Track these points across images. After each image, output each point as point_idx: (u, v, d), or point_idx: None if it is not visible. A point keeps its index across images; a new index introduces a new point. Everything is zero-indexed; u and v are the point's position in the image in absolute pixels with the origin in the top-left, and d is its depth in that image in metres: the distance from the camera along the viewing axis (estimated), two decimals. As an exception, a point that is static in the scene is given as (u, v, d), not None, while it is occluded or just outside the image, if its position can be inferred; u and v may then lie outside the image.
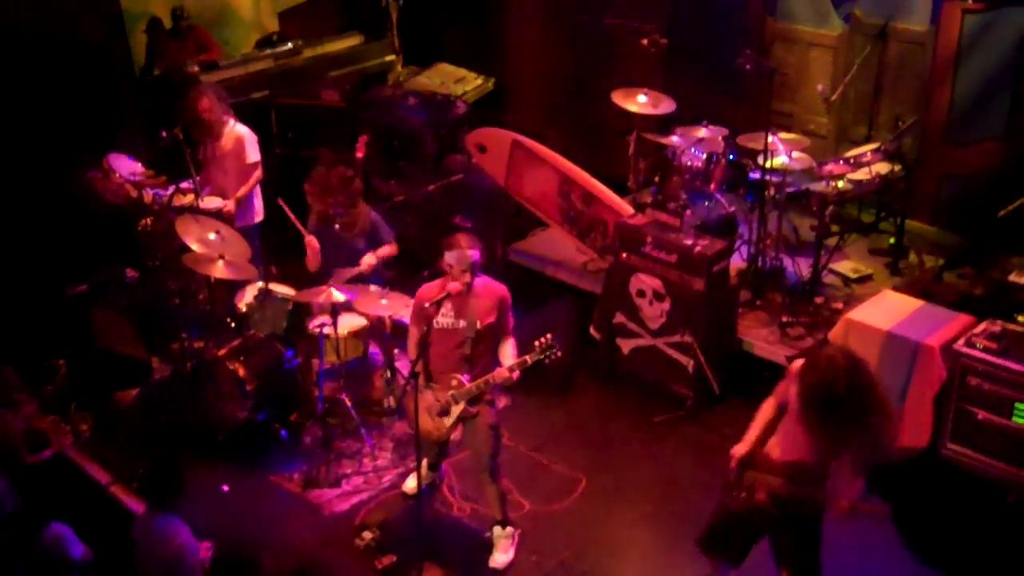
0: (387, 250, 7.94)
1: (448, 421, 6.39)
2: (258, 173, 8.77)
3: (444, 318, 6.33)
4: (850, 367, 5.06)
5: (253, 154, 8.70)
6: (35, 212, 8.91)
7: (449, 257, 6.25)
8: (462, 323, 6.31)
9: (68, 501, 6.62)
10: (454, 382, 6.33)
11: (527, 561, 6.66)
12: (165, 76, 10.88)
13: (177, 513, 5.62)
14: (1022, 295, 7.53)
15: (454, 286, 6.25)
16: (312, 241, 7.74)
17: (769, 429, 5.49)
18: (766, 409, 5.56)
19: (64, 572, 5.57)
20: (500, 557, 6.63)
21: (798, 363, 5.31)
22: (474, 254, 6.22)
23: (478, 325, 6.29)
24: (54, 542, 5.57)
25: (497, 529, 6.67)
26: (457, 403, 6.34)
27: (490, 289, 6.37)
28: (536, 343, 6.15)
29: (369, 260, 7.76)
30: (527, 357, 6.16)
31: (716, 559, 5.84)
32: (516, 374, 6.22)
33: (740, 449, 5.51)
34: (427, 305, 6.24)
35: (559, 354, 6.15)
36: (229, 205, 8.58)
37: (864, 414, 4.99)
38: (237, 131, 8.68)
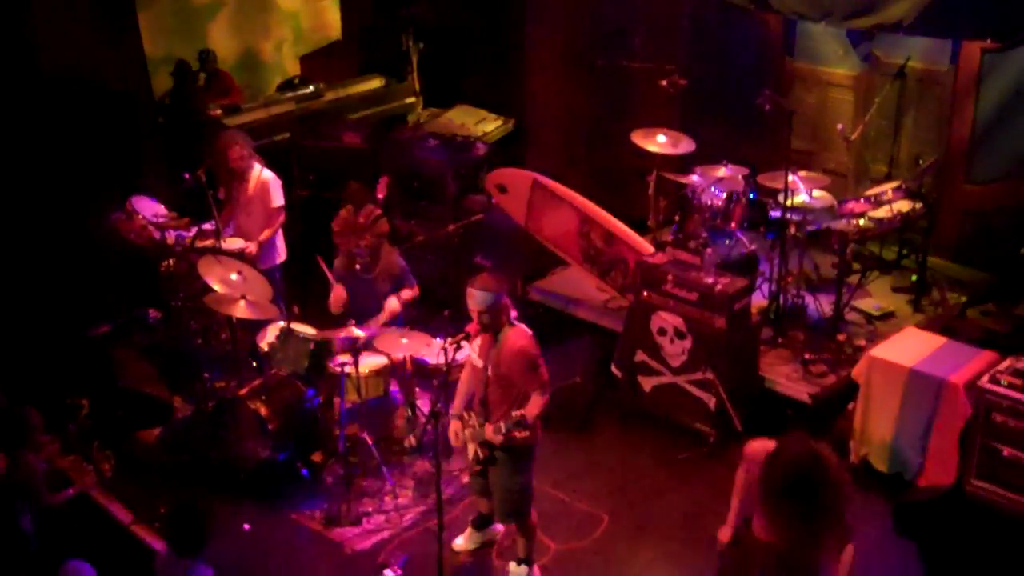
0: (410, 294, 7.99)
1: (469, 453, 6.41)
2: (282, 217, 8.86)
3: (473, 353, 6.36)
4: (813, 461, 4.69)
5: (278, 198, 8.79)
6: (59, 253, 8.97)
7: (467, 295, 6.23)
8: (482, 363, 6.31)
9: (90, 540, 6.61)
10: (471, 420, 6.33)
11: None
12: (188, 119, 10.99)
13: (200, 557, 5.60)
14: (1046, 332, 7.51)
15: (473, 326, 6.26)
16: (339, 291, 7.79)
17: (745, 503, 5.38)
18: (738, 482, 5.45)
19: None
20: None
21: (754, 444, 5.22)
22: (482, 295, 6.10)
23: (489, 372, 6.24)
24: (74, 579, 5.56)
25: (512, 565, 6.66)
26: (472, 440, 6.34)
27: (510, 340, 6.20)
28: (513, 412, 6.05)
29: (393, 305, 7.78)
30: (501, 423, 6.09)
31: None
32: (498, 438, 6.13)
33: (725, 533, 5.44)
34: (447, 342, 6.24)
35: (524, 434, 6.07)
36: (251, 247, 8.63)
37: (833, 509, 4.69)
38: (263, 176, 8.77)
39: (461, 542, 7.06)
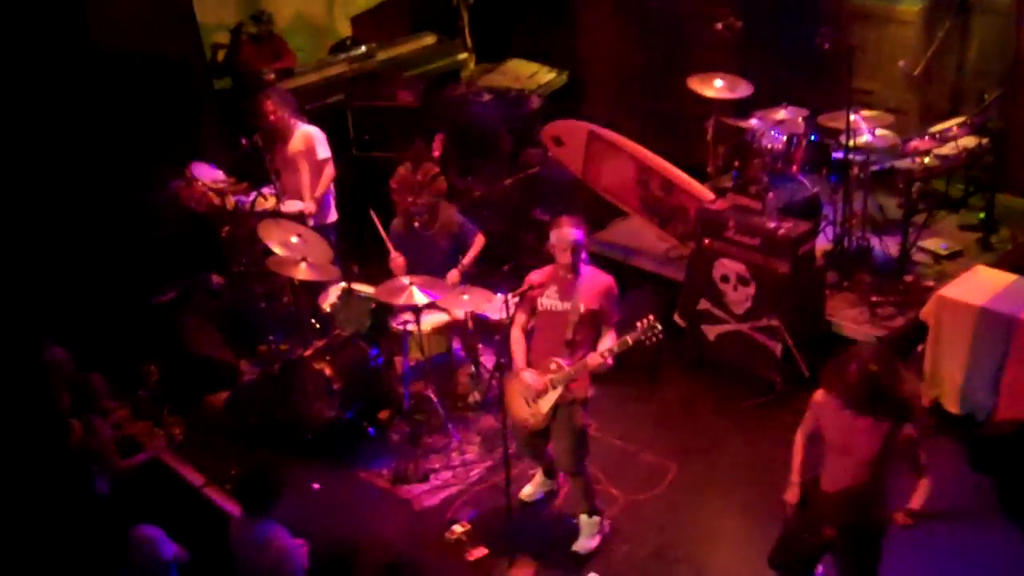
0: (472, 254, 7.96)
1: (544, 406, 6.34)
2: (330, 170, 8.78)
3: (549, 299, 6.34)
4: (873, 356, 5.08)
5: (323, 151, 8.74)
6: (122, 223, 9.05)
7: (552, 236, 6.32)
8: (566, 305, 6.28)
9: (163, 504, 6.71)
10: (553, 366, 6.29)
11: (619, 551, 6.63)
12: (242, 84, 11.01)
13: (272, 515, 5.65)
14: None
15: (539, 274, 6.29)
16: (398, 258, 7.80)
17: (809, 463, 5.45)
18: (799, 443, 5.52)
19: (156, 571, 5.63)
20: (584, 543, 6.63)
21: (819, 392, 5.33)
22: (575, 233, 6.24)
23: (581, 309, 6.25)
24: (146, 543, 5.63)
25: (583, 517, 6.65)
26: (555, 388, 6.30)
27: (597, 278, 6.35)
28: (638, 323, 6.06)
29: (454, 277, 7.76)
30: (627, 337, 6.08)
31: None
32: (610, 359, 6.14)
33: (792, 495, 5.48)
34: (509, 296, 6.25)
35: (661, 336, 6.04)
36: (310, 207, 8.63)
37: (900, 392, 5.02)
38: (306, 131, 8.74)
39: (530, 490, 7.06)
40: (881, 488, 5.20)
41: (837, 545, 5.35)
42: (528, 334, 6.50)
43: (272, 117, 8.63)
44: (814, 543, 5.40)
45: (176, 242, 9.28)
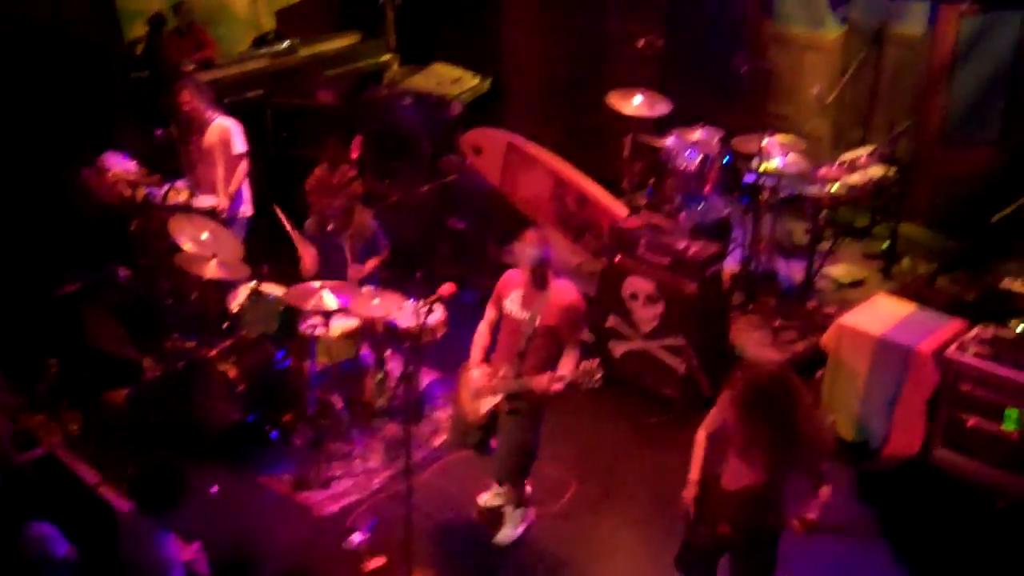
0: (375, 262, 7.92)
1: (482, 408, 6.38)
2: (245, 164, 8.69)
3: (512, 304, 6.36)
4: (774, 372, 5.14)
5: (239, 145, 8.64)
6: (28, 210, 8.89)
7: (516, 249, 6.35)
8: (525, 315, 6.29)
9: (56, 501, 6.60)
10: (501, 372, 6.32)
11: (514, 565, 6.66)
12: (160, 74, 10.87)
13: (166, 520, 5.57)
14: (1015, 300, 7.53)
15: (447, 288, 6.33)
16: (308, 251, 7.73)
17: (709, 460, 5.50)
18: (701, 441, 5.57)
19: (48, 571, 5.53)
20: (507, 531, 6.75)
21: (728, 390, 5.33)
22: (534, 250, 6.21)
23: (537, 322, 6.24)
24: (37, 540, 5.54)
25: (508, 508, 6.76)
26: (494, 393, 6.33)
27: (563, 293, 6.26)
28: (580, 364, 6.05)
29: (356, 275, 7.74)
30: (565, 373, 6.08)
31: None
32: (556, 386, 6.08)
33: (688, 492, 5.52)
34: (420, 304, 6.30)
35: (598, 384, 5.98)
36: (223, 202, 8.55)
37: (793, 411, 5.01)
38: (222, 123, 8.64)
39: (487, 497, 7.06)
40: (778, 491, 5.28)
41: (732, 543, 5.43)
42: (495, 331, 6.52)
43: (187, 107, 8.52)
44: (711, 539, 5.48)
45: (83, 232, 9.12)
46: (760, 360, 5.31)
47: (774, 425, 5.01)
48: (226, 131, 8.61)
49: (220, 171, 8.64)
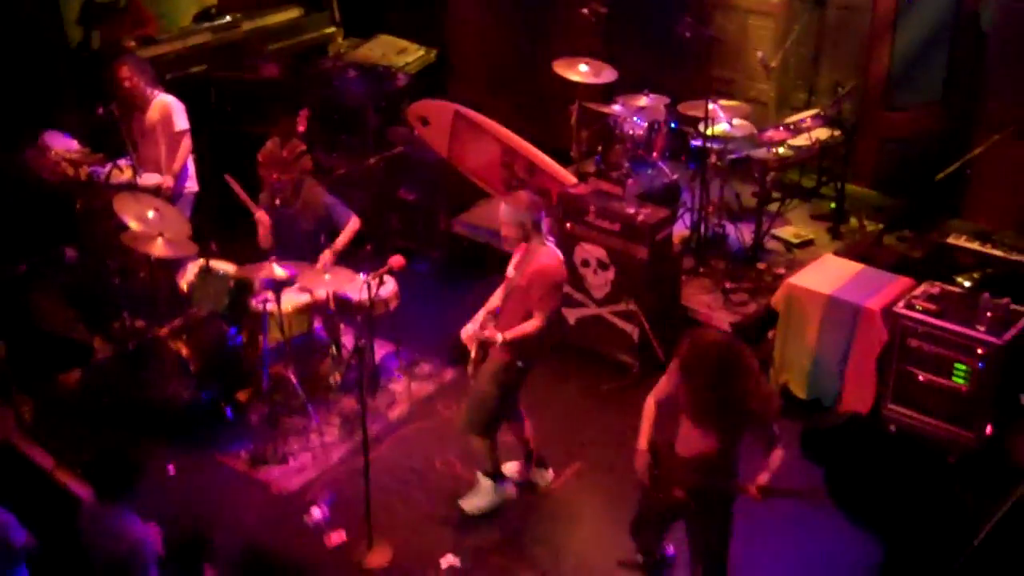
0: (346, 236, 7.79)
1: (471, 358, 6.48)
2: (187, 142, 8.58)
3: (510, 265, 6.48)
4: (720, 341, 5.20)
5: (181, 122, 8.54)
6: (-31, 192, 8.76)
7: (501, 209, 6.44)
8: (511, 274, 6.43)
9: (10, 487, 6.53)
10: (489, 328, 6.40)
11: (475, 533, 6.71)
12: (100, 51, 10.71)
13: (126, 501, 5.53)
14: (960, 257, 7.65)
15: (396, 260, 6.40)
16: (263, 216, 7.67)
17: (660, 427, 5.54)
18: (649, 408, 5.60)
19: (6, 559, 5.48)
20: (473, 501, 6.80)
21: (675, 360, 5.38)
22: (506, 209, 6.32)
23: (514, 282, 6.36)
24: (-4, 529, 5.48)
25: (479, 475, 6.79)
26: (469, 343, 6.42)
27: (539, 257, 6.28)
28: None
29: (326, 259, 7.64)
30: (509, 333, 6.23)
31: (641, 544, 6.07)
32: (495, 338, 6.19)
33: (639, 460, 5.53)
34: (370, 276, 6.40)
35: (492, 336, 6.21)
36: (167, 180, 8.45)
37: (741, 380, 5.06)
38: (163, 100, 8.53)
39: (511, 466, 7.06)
40: (731, 456, 5.34)
41: (686, 508, 5.48)
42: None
43: (128, 84, 8.40)
44: (665, 504, 5.55)
45: (27, 213, 8.98)
46: (705, 328, 5.33)
47: (721, 392, 5.05)
48: (167, 108, 8.50)
49: (163, 149, 8.54)
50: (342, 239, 7.76)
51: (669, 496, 5.47)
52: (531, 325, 6.24)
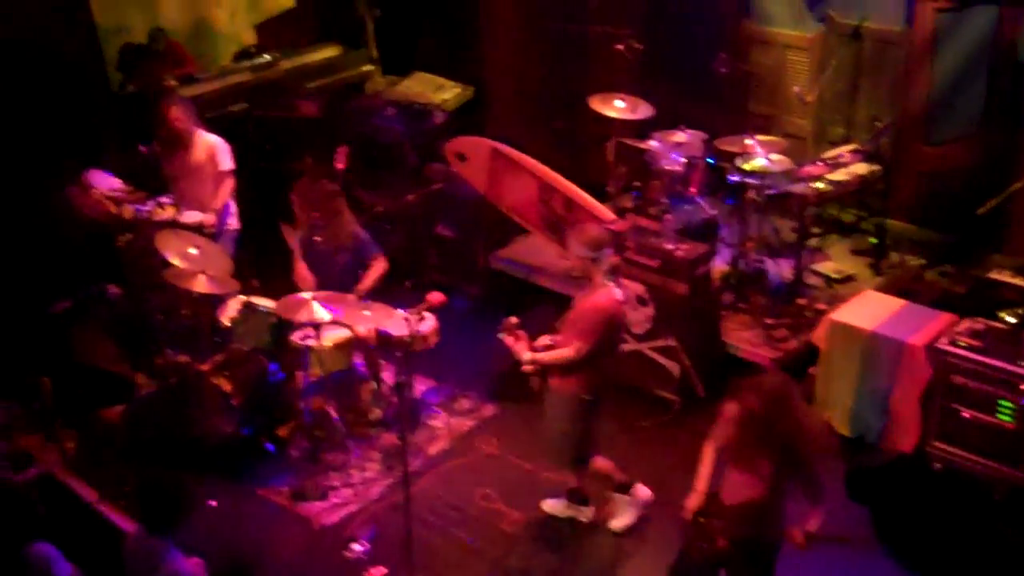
0: (376, 272, 7.88)
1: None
2: (231, 181, 8.71)
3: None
4: (776, 389, 5.19)
5: (226, 162, 8.66)
6: (14, 229, 8.85)
7: (568, 242, 6.52)
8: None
9: (54, 520, 6.57)
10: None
11: (515, 569, 6.69)
12: (142, 91, 10.86)
13: (172, 537, 5.55)
14: (1003, 292, 7.58)
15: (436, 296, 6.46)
16: (303, 271, 7.80)
17: (716, 473, 5.55)
18: (707, 453, 5.61)
19: (52, 594, 5.51)
20: (617, 521, 6.88)
21: (731, 404, 5.37)
22: (576, 245, 6.32)
23: (570, 314, 6.44)
24: (39, 562, 5.51)
25: (613, 495, 6.89)
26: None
27: (594, 297, 6.31)
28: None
29: (352, 300, 7.71)
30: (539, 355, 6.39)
31: None
32: (519, 350, 6.32)
33: (692, 501, 5.54)
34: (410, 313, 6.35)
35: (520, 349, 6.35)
36: (210, 218, 8.54)
37: (797, 428, 5.09)
38: (208, 140, 8.65)
39: (551, 503, 7.13)
40: (776, 505, 5.31)
41: (730, 558, 5.43)
42: None
43: (178, 124, 8.50)
44: (708, 553, 5.48)
45: (72, 251, 9.08)
46: (759, 377, 5.32)
47: (777, 441, 5.07)
48: (213, 147, 8.62)
49: (207, 187, 8.64)
50: (368, 281, 7.84)
51: (713, 546, 5.43)
52: (563, 352, 6.29)
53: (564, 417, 6.49)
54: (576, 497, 7.06)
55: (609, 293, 6.32)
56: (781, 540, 5.36)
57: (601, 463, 6.77)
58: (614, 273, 6.43)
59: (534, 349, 6.41)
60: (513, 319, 6.43)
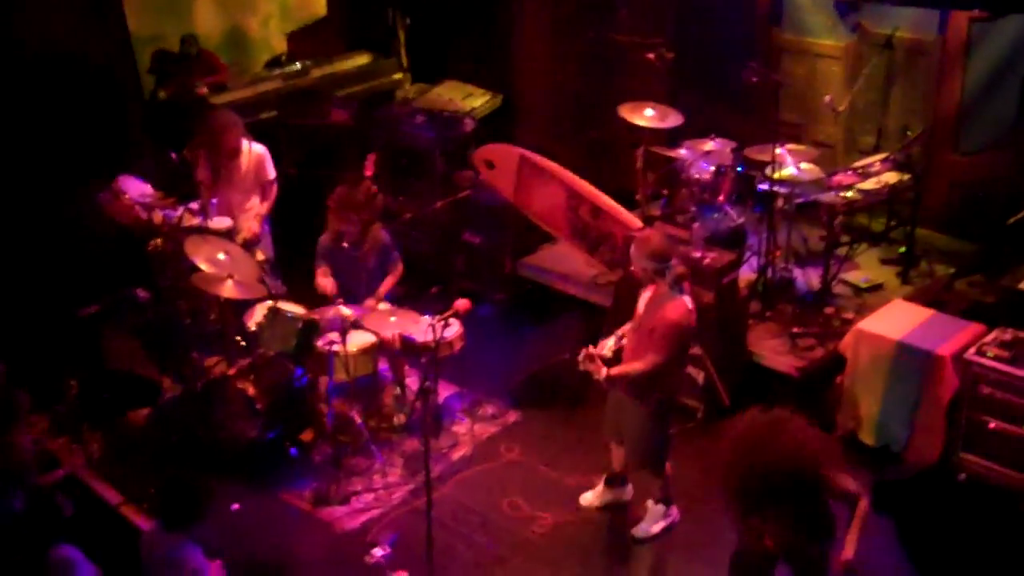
0: (390, 282, 8.01)
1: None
2: (275, 188, 8.81)
3: (640, 301, 6.54)
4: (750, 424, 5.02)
5: (272, 171, 8.74)
6: (46, 234, 8.95)
7: (631, 251, 6.52)
8: (640, 310, 6.51)
9: (79, 521, 6.62)
10: (606, 350, 6.54)
11: (536, 575, 6.67)
12: (174, 98, 10.95)
13: (190, 534, 5.59)
14: (1033, 303, 7.52)
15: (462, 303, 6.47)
16: (326, 285, 7.87)
17: None
18: None
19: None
20: (644, 526, 6.91)
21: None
22: (633, 249, 6.41)
23: (640, 320, 6.48)
24: (63, 564, 5.54)
25: (650, 502, 6.91)
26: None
27: (670, 308, 6.30)
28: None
29: (371, 305, 7.79)
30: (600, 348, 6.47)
31: None
32: (595, 368, 6.28)
33: None
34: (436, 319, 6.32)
35: (600, 369, 6.27)
36: (256, 227, 8.59)
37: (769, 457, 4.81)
38: (255, 150, 8.70)
39: (590, 497, 7.19)
40: (825, 520, 5.23)
41: (776, 563, 5.41)
42: None
43: (230, 139, 8.51)
44: (762, 553, 5.39)
45: (101, 255, 9.16)
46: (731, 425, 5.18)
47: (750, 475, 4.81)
48: (261, 157, 8.69)
49: (251, 196, 8.70)
50: (386, 285, 7.96)
51: (761, 545, 5.38)
52: (640, 364, 6.33)
53: (651, 420, 6.57)
54: (613, 482, 7.14)
55: (683, 304, 6.33)
56: (825, 560, 5.26)
57: (667, 468, 6.86)
58: (679, 281, 6.39)
59: (604, 361, 6.38)
60: (591, 350, 6.41)
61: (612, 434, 6.96)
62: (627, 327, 6.66)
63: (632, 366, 6.37)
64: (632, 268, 6.50)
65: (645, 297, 6.49)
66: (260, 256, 8.58)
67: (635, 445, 6.74)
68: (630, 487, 7.19)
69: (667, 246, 6.43)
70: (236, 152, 8.61)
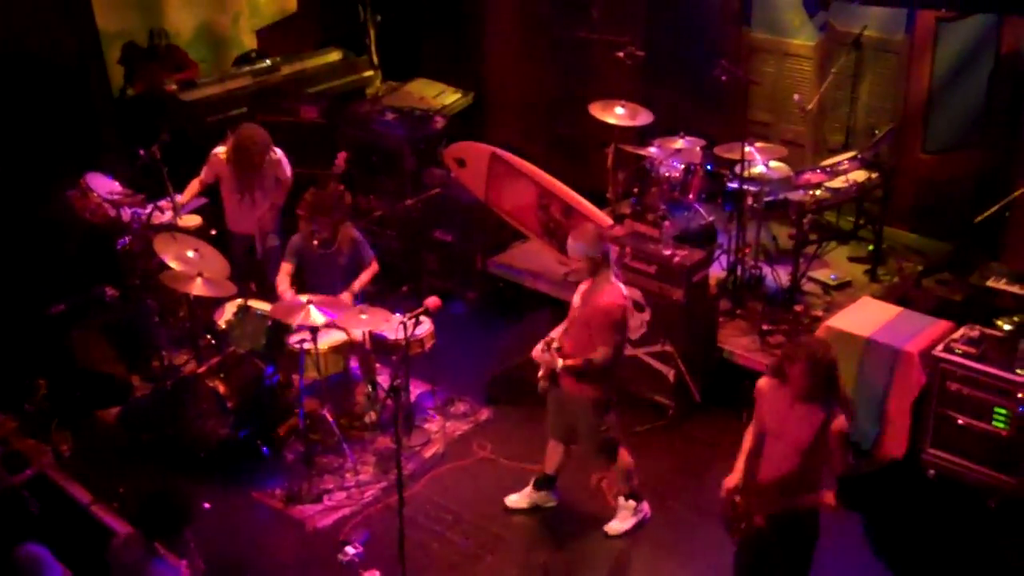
0: (364, 278, 7.95)
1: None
2: (290, 184, 8.69)
3: (576, 294, 6.59)
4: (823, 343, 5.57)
5: (288, 169, 8.63)
6: (13, 232, 8.87)
7: (568, 242, 6.52)
8: (575, 303, 6.56)
9: (48, 521, 6.57)
10: (551, 348, 6.54)
11: (508, 572, 6.69)
12: (143, 96, 10.89)
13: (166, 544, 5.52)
14: (1000, 300, 7.58)
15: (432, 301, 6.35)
16: (283, 285, 7.84)
17: (754, 455, 5.57)
18: (748, 437, 5.64)
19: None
20: (615, 525, 6.91)
21: (763, 381, 5.52)
22: (575, 245, 6.39)
23: (576, 312, 6.52)
24: (29, 562, 5.50)
25: (621, 500, 6.90)
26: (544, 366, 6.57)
27: (604, 295, 6.36)
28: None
29: (346, 298, 7.73)
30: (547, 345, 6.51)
31: None
32: (551, 358, 6.43)
33: (731, 479, 5.58)
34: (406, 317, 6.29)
35: (552, 359, 6.36)
36: (269, 226, 8.54)
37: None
38: (279, 155, 8.59)
39: (515, 498, 7.18)
40: (811, 475, 5.34)
41: (768, 537, 5.45)
42: None
43: (257, 153, 8.36)
44: (749, 533, 5.52)
45: (70, 253, 9.10)
46: (804, 338, 5.81)
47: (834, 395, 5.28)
48: (282, 160, 8.60)
49: (267, 202, 8.56)
50: (360, 281, 7.90)
51: (751, 525, 5.45)
52: (597, 354, 6.34)
53: (597, 415, 6.58)
54: (543, 484, 7.12)
55: (617, 290, 6.39)
56: (817, 508, 5.36)
57: (626, 457, 6.85)
58: (617, 264, 6.50)
59: (563, 355, 6.47)
60: (553, 341, 6.51)
61: (559, 434, 6.93)
62: (560, 327, 6.70)
63: (584, 358, 6.39)
64: (573, 267, 6.54)
65: (581, 291, 6.54)
66: (274, 242, 8.56)
67: (589, 438, 6.73)
68: (556, 494, 7.17)
69: (601, 231, 6.59)
70: (260, 165, 8.50)
